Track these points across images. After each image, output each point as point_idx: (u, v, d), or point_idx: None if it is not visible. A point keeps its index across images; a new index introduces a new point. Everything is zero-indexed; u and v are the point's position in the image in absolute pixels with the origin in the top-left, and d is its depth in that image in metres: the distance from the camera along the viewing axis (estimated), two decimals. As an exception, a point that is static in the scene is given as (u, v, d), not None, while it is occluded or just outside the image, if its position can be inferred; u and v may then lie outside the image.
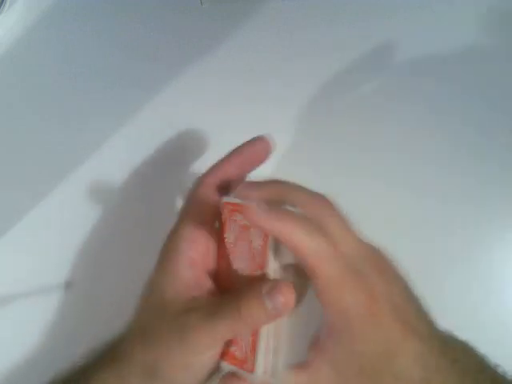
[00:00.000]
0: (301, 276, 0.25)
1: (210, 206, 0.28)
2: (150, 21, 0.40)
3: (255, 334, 0.25)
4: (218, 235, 0.28)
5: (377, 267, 0.25)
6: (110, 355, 0.26)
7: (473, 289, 0.35)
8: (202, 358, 0.25)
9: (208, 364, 0.25)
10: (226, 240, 0.27)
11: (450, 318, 0.25)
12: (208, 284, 0.27)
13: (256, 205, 0.24)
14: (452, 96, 0.38)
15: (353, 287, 0.24)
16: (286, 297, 0.24)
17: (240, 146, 0.29)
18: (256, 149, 0.29)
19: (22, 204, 0.37)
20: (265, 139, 0.29)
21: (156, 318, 0.26)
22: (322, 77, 0.39)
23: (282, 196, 0.26)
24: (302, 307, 0.26)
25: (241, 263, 0.26)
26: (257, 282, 0.25)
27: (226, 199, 0.27)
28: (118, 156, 0.37)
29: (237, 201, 0.27)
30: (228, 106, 0.38)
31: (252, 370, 0.25)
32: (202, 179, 0.28)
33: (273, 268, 0.25)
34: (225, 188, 0.29)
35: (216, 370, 0.27)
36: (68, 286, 0.35)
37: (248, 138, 0.29)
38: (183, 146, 0.38)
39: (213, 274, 0.27)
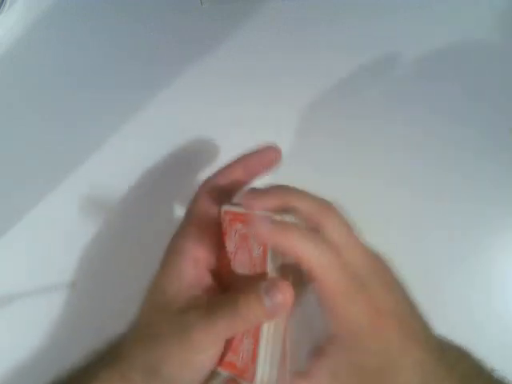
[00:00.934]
0: (299, 277, 0.25)
1: (214, 211, 0.28)
2: (150, 21, 0.40)
3: (255, 343, 0.25)
4: (220, 239, 0.28)
5: (380, 277, 0.25)
6: (112, 355, 0.26)
7: (473, 289, 0.35)
8: (202, 357, 0.25)
9: (208, 364, 0.25)
10: (226, 249, 0.27)
11: (449, 319, 0.25)
12: (210, 283, 0.27)
13: (259, 220, 0.24)
14: (452, 96, 0.38)
15: (357, 299, 0.24)
16: (284, 295, 0.24)
17: (247, 154, 0.29)
18: (263, 159, 0.28)
19: (22, 204, 0.37)
20: (274, 149, 0.28)
21: (158, 317, 0.26)
22: (322, 77, 0.39)
23: (285, 204, 0.25)
24: (300, 316, 0.26)
25: (242, 271, 0.26)
26: (256, 282, 0.25)
27: (225, 207, 0.27)
28: (118, 156, 0.37)
29: (236, 209, 0.27)
30: (228, 106, 0.38)
31: (252, 380, 0.25)
32: (208, 182, 0.29)
33: (273, 274, 0.25)
34: (227, 194, 0.29)
35: (215, 372, 0.27)
36: (68, 286, 0.35)
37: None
38: (183, 146, 0.38)
39: (215, 274, 0.28)
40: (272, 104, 0.38)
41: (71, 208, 0.37)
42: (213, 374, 0.27)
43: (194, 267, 0.27)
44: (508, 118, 0.38)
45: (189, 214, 0.28)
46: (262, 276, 0.25)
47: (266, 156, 0.28)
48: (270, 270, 0.25)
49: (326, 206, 0.25)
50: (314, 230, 0.24)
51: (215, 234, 0.28)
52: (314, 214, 0.25)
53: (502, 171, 0.37)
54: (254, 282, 0.25)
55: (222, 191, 0.28)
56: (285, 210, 0.25)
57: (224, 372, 0.26)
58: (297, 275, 0.26)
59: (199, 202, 0.28)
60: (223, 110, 0.38)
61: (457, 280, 0.35)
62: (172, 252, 0.28)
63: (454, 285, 0.35)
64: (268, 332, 0.25)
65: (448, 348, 0.25)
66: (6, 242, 0.36)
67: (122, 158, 0.37)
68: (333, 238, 0.24)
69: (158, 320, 0.26)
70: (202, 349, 0.25)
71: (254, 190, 0.27)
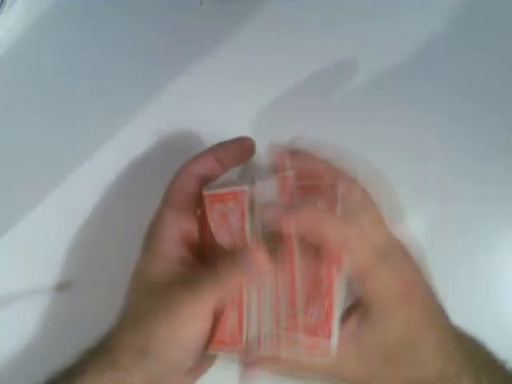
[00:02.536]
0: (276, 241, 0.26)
1: (190, 194, 0.29)
2: (150, 21, 0.40)
3: (240, 312, 0.25)
4: (200, 219, 0.29)
5: (405, 257, 0.26)
6: (102, 345, 0.27)
7: (473, 289, 0.35)
8: (190, 330, 0.25)
9: (197, 338, 0.25)
10: (210, 229, 0.28)
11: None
12: (192, 262, 0.28)
13: (273, 207, 0.25)
14: (452, 95, 0.38)
15: (387, 271, 0.24)
16: (257, 255, 0.25)
17: (224, 142, 0.30)
18: (239, 147, 0.30)
19: (22, 204, 0.37)
20: (248, 140, 0.30)
21: (144, 300, 0.26)
22: (322, 77, 0.39)
23: (316, 173, 0.26)
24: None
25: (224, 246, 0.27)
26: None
27: (205, 191, 0.28)
28: (118, 156, 0.37)
29: (215, 191, 0.28)
30: (228, 107, 0.38)
31: (240, 349, 0.25)
32: (183, 168, 0.29)
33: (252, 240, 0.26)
34: (205, 178, 0.29)
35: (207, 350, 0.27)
36: (67, 286, 0.35)
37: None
38: (183, 146, 0.38)
39: (197, 253, 0.28)
40: (272, 104, 0.38)
41: (71, 208, 0.37)
42: (207, 358, 0.27)
43: (176, 247, 0.27)
44: (508, 118, 0.38)
45: (166, 197, 0.29)
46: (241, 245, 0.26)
47: (241, 147, 0.30)
48: (249, 236, 0.26)
49: (357, 187, 0.26)
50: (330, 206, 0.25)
51: (193, 214, 0.29)
52: (345, 195, 0.25)
53: (501, 171, 0.37)
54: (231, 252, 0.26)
55: (200, 176, 0.29)
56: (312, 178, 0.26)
57: (214, 352, 0.26)
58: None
59: (176, 186, 0.29)
60: (223, 110, 0.38)
61: (456, 280, 0.35)
62: (152, 235, 0.28)
63: (453, 285, 0.35)
64: (250, 297, 0.25)
65: (464, 336, 0.26)
66: (6, 242, 0.36)
67: (122, 158, 0.37)
68: (361, 221, 0.25)
69: (145, 302, 0.26)
70: (190, 323, 0.25)
71: (290, 151, 0.28)
